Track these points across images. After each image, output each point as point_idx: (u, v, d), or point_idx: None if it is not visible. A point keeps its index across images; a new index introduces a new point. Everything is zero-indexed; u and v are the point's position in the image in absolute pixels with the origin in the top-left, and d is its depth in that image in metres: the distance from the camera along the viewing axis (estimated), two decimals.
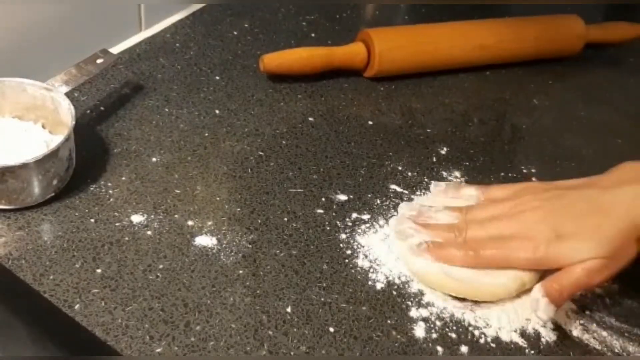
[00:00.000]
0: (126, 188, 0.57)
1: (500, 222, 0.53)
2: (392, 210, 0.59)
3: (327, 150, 0.65)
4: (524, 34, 0.78)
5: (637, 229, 0.50)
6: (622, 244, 0.49)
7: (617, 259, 0.50)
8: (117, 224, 0.54)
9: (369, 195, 0.60)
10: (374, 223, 0.57)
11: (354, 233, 0.56)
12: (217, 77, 0.72)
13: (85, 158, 0.58)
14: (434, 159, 0.65)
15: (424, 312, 0.51)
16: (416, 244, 0.53)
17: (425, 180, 0.63)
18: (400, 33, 0.75)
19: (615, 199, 0.50)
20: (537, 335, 0.51)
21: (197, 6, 0.82)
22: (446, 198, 0.58)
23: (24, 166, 0.51)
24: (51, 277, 0.49)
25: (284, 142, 0.65)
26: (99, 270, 0.50)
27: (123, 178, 0.58)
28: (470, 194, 0.58)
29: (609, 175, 0.53)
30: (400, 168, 0.64)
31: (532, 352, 0.50)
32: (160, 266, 0.51)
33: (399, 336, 0.49)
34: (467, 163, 0.65)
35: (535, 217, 0.52)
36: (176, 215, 0.56)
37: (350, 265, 0.54)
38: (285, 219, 0.57)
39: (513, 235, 0.51)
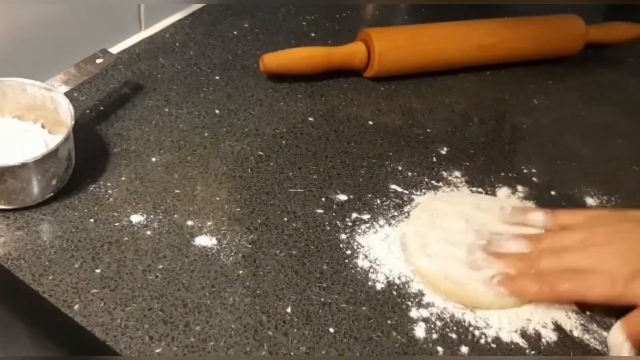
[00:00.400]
0: (126, 188, 0.57)
1: (574, 253, 0.51)
2: (392, 210, 0.59)
3: (327, 150, 0.64)
4: (524, 34, 0.78)
5: None
6: None
7: None
8: (116, 224, 0.54)
9: (369, 195, 0.60)
10: (374, 223, 0.57)
11: (354, 233, 0.56)
12: (217, 77, 0.72)
13: (85, 158, 0.58)
14: (434, 159, 0.65)
15: (424, 313, 0.51)
16: (489, 276, 0.52)
17: (426, 180, 0.63)
18: (400, 33, 0.75)
19: None
20: (538, 335, 0.51)
21: (197, 6, 0.82)
22: (512, 223, 0.56)
23: (23, 166, 0.51)
24: (50, 277, 0.49)
25: (284, 142, 0.65)
26: (98, 271, 0.50)
27: (122, 178, 0.58)
28: (537, 218, 0.56)
29: None
30: (400, 168, 0.64)
31: (533, 352, 0.49)
32: (160, 266, 0.51)
33: (399, 336, 0.49)
34: (467, 163, 0.65)
35: (612, 250, 0.50)
36: (176, 215, 0.55)
37: (350, 266, 0.54)
38: (285, 219, 0.57)
39: (588, 269, 0.50)
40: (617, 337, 0.48)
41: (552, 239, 0.54)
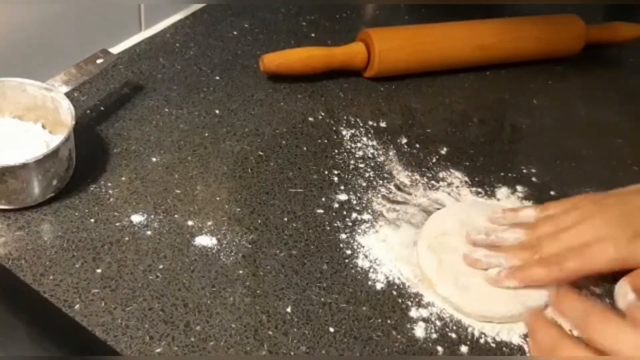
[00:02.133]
0: (126, 188, 0.57)
1: (571, 231, 0.52)
2: (393, 211, 0.59)
3: (327, 150, 0.65)
4: (524, 34, 0.78)
5: None
6: None
7: None
8: (117, 224, 0.54)
9: (369, 195, 0.60)
10: (374, 223, 0.57)
11: (354, 233, 0.56)
12: (217, 77, 0.72)
13: (85, 158, 0.58)
14: (434, 159, 0.65)
15: (424, 312, 0.51)
16: (496, 273, 0.52)
17: (425, 180, 0.63)
18: (400, 33, 0.75)
19: None
20: None
21: (197, 6, 0.82)
22: (505, 223, 0.56)
23: (23, 166, 0.51)
24: (51, 277, 0.49)
25: (284, 142, 0.65)
26: (99, 270, 0.50)
27: (123, 178, 0.58)
28: (529, 214, 0.56)
29: None
30: (400, 168, 0.64)
31: None
32: (160, 266, 0.51)
33: (399, 336, 0.49)
34: (467, 163, 0.65)
35: (606, 218, 0.51)
36: (176, 215, 0.56)
37: (350, 266, 0.54)
38: (285, 219, 0.57)
39: (589, 241, 0.51)
40: (622, 287, 0.49)
41: (548, 224, 0.54)
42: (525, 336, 0.50)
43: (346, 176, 0.62)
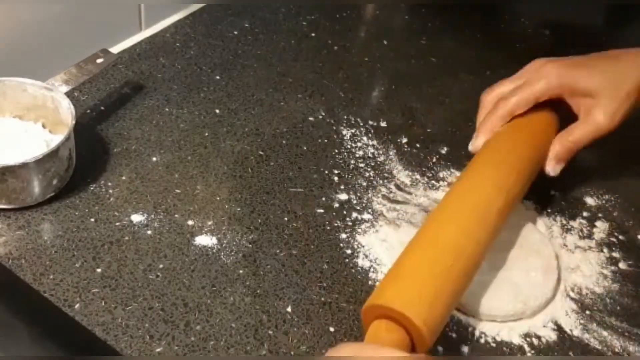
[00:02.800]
0: (126, 187, 0.57)
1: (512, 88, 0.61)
2: (393, 210, 0.59)
3: (327, 150, 0.65)
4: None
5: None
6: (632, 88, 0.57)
7: (626, 100, 0.57)
8: (117, 224, 0.54)
9: (369, 195, 0.60)
10: (374, 223, 0.57)
11: (354, 233, 0.56)
12: (218, 77, 0.72)
13: (86, 158, 0.58)
14: (434, 159, 0.65)
15: None
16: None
17: (426, 179, 0.63)
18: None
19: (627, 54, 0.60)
20: (537, 335, 0.51)
21: (197, 6, 0.82)
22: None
23: (24, 166, 0.51)
24: (51, 276, 0.49)
25: (284, 141, 0.65)
26: (99, 270, 0.50)
27: (123, 177, 0.58)
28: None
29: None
30: (400, 167, 0.64)
31: (532, 352, 0.50)
32: (161, 266, 0.51)
33: None
34: (467, 163, 0.65)
35: (534, 68, 0.61)
36: (176, 215, 0.56)
37: (351, 265, 0.54)
38: (286, 219, 0.57)
39: (526, 82, 0.60)
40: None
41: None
42: (525, 336, 0.50)
43: (346, 176, 0.62)
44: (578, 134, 0.58)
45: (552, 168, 0.58)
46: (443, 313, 0.44)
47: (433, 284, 0.44)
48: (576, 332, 0.51)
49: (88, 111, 0.64)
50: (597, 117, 0.58)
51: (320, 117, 0.69)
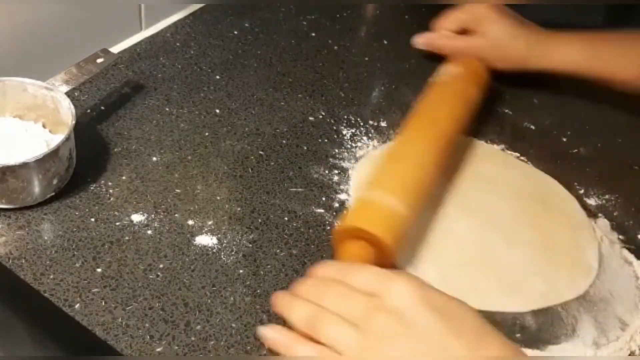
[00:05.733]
0: (126, 187, 0.57)
1: None
2: None
3: (327, 150, 0.65)
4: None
5: None
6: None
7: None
8: (117, 224, 0.54)
9: None
10: None
11: None
12: (218, 77, 0.72)
13: (86, 157, 0.58)
14: None
15: None
16: None
17: None
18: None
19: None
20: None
21: (197, 6, 0.82)
22: None
23: (24, 165, 0.51)
24: (51, 276, 0.49)
25: (284, 141, 0.65)
26: (99, 270, 0.50)
27: (123, 177, 0.58)
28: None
29: None
30: None
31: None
32: (161, 265, 0.51)
33: None
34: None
35: None
36: (176, 215, 0.56)
37: None
38: (286, 219, 0.57)
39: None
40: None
41: None
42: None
43: (346, 176, 0.62)
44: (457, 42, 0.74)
45: (416, 41, 0.77)
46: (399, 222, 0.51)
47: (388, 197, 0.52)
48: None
49: (88, 111, 0.64)
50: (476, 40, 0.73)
51: (320, 117, 0.69)
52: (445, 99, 0.65)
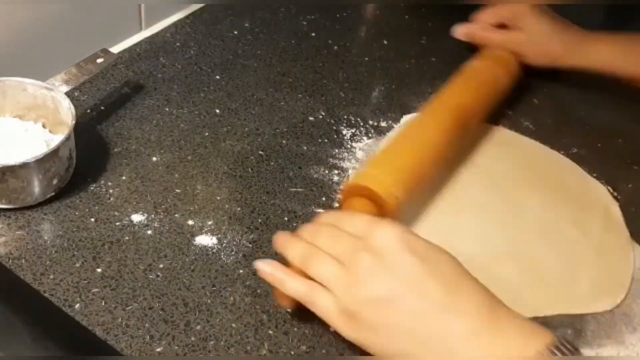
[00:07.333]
0: (126, 187, 0.57)
1: None
2: None
3: (327, 150, 0.65)
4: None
5: None
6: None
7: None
8: (117, 224, 0.54)
9: None
10: None
11: None
12: (218, 77, 0.72)
13: (86, 157, 0.58)
14: None
15: None
16: None
17: None
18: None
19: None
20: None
21: (197, 6, 0.82)
22: None
23: (24, 165, 0.51)
24: (51, 276, 0.49)
25: (284, 141, 0.65)
26: (99, 270, 0.50)
27: (123, 177, 0.58)
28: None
29: None
30: None
31: None
32: (161, 265, 0.51)
33: None
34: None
35: None
36: (176, 215, 0.56)
37: None
38: (286, 219, 0.57)
39: None
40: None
41: None
42: None
43: (346, 176, 0.62)
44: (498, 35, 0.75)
45: (457, 31, 0.77)
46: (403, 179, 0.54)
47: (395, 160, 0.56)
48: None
49: (88, 111, 0.64)
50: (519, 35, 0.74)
51: (320, 117, 0.69)
52: (471, 85, 0.67)
